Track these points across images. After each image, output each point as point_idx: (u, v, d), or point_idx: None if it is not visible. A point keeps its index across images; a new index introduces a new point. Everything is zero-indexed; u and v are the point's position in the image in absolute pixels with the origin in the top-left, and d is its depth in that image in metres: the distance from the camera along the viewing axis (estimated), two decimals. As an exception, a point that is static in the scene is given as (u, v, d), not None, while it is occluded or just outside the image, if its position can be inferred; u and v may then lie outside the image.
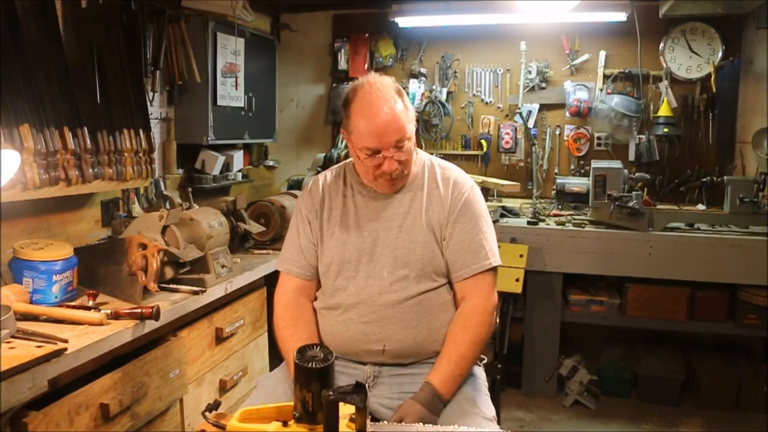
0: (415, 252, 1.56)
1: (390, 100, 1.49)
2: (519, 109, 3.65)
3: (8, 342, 1.44)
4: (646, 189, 3.33)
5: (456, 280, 1.59)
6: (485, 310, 1.56)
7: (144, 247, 1.83)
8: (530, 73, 3.65)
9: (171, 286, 1.99)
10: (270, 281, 2.43)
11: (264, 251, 2.64)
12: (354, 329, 1.57)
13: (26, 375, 1.33)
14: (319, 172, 1.97)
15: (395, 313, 1.54)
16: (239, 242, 2.59)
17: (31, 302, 1.69)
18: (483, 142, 3.74)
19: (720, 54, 3.39)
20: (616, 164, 3.26)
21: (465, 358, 1.51)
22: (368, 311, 1.56)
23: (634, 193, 3.00)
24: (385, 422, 1.39)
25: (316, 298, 1.68)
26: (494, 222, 1.90)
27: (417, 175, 1.64)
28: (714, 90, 3.40)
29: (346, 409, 1.13)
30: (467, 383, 1.56)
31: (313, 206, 1.67)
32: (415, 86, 3.74)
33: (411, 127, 1.53)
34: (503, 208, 3.33)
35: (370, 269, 1.58)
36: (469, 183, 1.65)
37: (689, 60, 3.45)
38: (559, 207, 3.44)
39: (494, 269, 1.60)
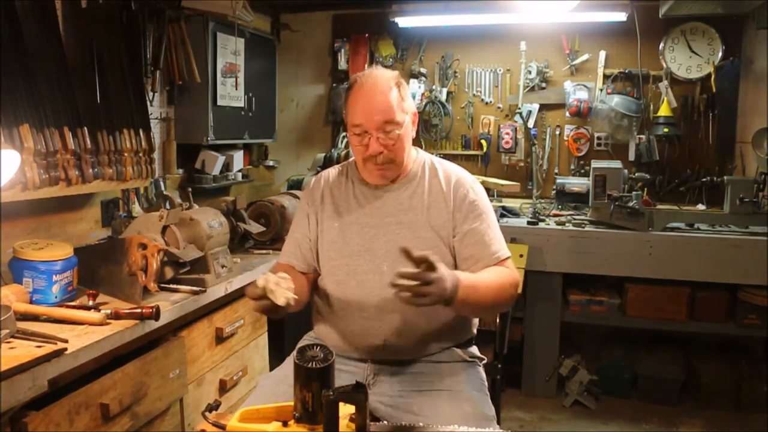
0: (417, 248, 1.56)
1: (383, 86, 1.55)
2: (519, 109, 3.65)
3: (8, 342, 1.44)
4: (646, 189, 3.34)
5: None
6: (510, 274, 1.56)
7: (144, 247, 1.83)
8: (530, 73, 3.65)
9: (171, 286, 1.99)
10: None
11: (264, 251, 2.64)
12: (354, 324, 1.58)
13: (26, 375, 1.33)
14: (318, 173, 1.98)
15: (396, 308, 1.55)
16: (239, 242, 2.59)
17: (31, 302, 1.69)
18: (483, 142, 3.74)
19: (720, 54, 3.39)
20: (616, 164, 3.26)
21: (489, 287, 1.48)
22: (369, 306, 1.56)
23: (634, 193, 3.00)
24: (386, 422, 1.39)
25: (317, 296, 1.69)
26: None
27: (417, 173, 1.65)
28: (714, 90, 3.39)
29: (346, 409, 1.13)
30: (467, 383, 1.56)
31: (314, 202, 1.70)
32: (415, 86, 3.74)
33: (403, 117, 1.56)
34: (503, 208, 3.33)
35: (371, 264, 1.59)
36: (470, 180, 1.67)
37: (689, 60, 3.45)
38: (559, 207, 3.44)
39: (506, 260, 1.61)
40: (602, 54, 3.56)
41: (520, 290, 2.96)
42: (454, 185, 1.63)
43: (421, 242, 1.57)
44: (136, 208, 2.62)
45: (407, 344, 1.57)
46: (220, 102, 3.00)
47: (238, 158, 3.36)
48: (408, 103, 1.60)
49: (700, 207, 3.36)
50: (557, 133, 3.70)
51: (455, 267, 1.60)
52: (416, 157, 1.68)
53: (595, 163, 3.29)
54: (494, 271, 1.55)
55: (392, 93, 1.55)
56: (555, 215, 3.31)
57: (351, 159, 1.75)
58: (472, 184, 1.65)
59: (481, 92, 3.78)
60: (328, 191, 1.70)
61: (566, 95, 3.58)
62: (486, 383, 1.65)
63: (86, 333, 1.57)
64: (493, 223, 1.64)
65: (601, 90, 3.54)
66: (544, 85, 3.67)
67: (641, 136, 3.52)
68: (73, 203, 2.31)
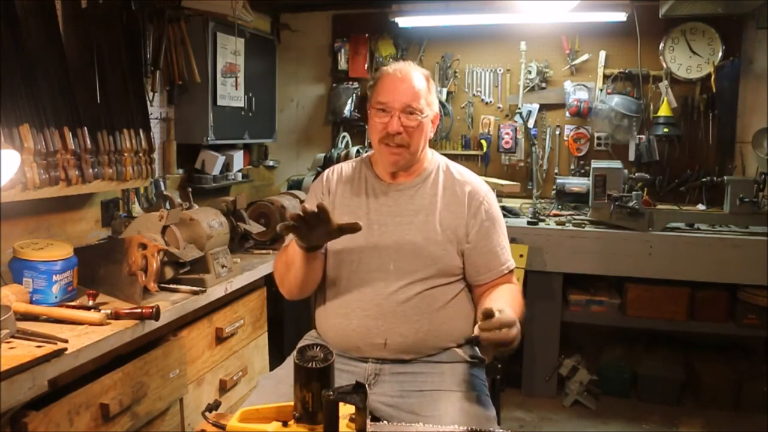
0: (426, 249, 1.58)
1: (415, 74, 1.60)
2: (519, 109, 3.65)
3: (8, 342, 1.44)
4: (646, 189, 3.34)
5: (479, 283, 1.64)
6: (519, 290, 1.64)
7: (144, 247, 1.83)
8: (530, 73, 3.65)
9: (171, 286, 1.99)
10: (270, 281, 2.43)
11: (264, 251, 2.64)
12: (356, 322, 1.58)
13: (26, 375, 1.33)
14: (319, 173, 1.98)
15: (398, 308, 1.55)
16: (239, 242, 2.59)
17: (31, 302, 1.69)
18: (483, 142, 3.74)
19: (720, 54, 3.39)
20: (616, 164, 3.26)
21: (517, 301, 1.53)
22: (372, 304, 1.56)
23: (634, 193, 3.00)
24: (386, 422, 1.39)
25: (320, 291, 1.69)
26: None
27: (431, 174, 1.68)
28: (714, 90, 3.39)
29: (346, 409, 1.13)
30: (467, 383, 1.56)
31: (326, 194, 1.71)
32: (415, 86, 3.73)
33: (427, 109, 1.60)
34: (503, 208, 3.32)
35: (377, 262, 1.59)
36: (485, 189, 1.71)
37: (689, 60, 3.45)
38: (559, 207, 3.44)
39: (512, 271, 1.68)
40: (602, 54, 3.56)
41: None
42: (469, 192, 1.66)
43: (430, 244, 1.58)
44: (136, 208, 2.62)
45: (408, 344, 1.57)
46: (220, 102, 3.00)
47: (238, 158, 3.36)
48: (434, 101, 1.64)
49: (700, 207, 3.36)
50: (557, 133, 3.70)
51: (463, 271, 1.63)
52: (431, 158, 1.71)
53: (595, 163, 3.29)
54: (512, 291, 1.60)
55: (422, 83, 1.60)
56: (555, 215, 3.31)
57: (365, 154, 1.77)
58: (487, 192, 1.69)
59: (481, 92, 3.78)
60: (341, 184, 1.71)
61: (566, 95, 3.58)
62: (486, 383, 1.65)
63: (86, 333, 1.57)
64: (504, 233, 1.69)
65: (601, 90, 3.54)
66: (544, 85, 3.67)
67: (641, 136, 3.52)
68: (73, 203, 2.31)
